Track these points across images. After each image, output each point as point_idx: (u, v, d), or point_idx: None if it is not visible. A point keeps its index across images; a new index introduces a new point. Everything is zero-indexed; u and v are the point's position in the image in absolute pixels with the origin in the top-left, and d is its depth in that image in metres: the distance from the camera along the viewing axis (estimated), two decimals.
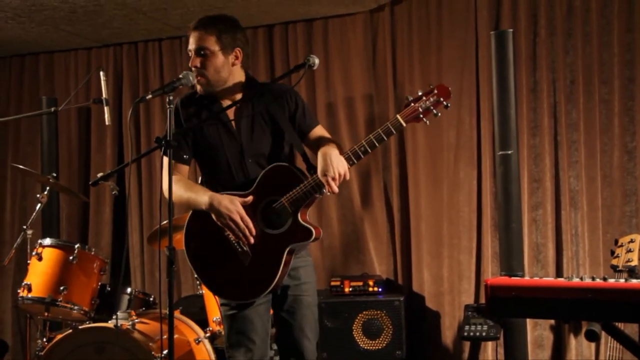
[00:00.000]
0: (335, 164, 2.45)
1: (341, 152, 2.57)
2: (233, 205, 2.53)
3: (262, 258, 2.55)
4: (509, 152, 3.80)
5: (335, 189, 2.46)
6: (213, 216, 2.57)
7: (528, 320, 4.14)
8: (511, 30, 3.91)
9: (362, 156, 2.51)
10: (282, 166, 2.58)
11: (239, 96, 2.68)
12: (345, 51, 4.93)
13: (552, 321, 4.29)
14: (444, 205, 4.60)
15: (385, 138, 2.52)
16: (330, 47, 4.95)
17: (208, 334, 3.79)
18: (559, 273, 4.25)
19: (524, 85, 4.31)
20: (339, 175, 2.46)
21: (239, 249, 2.57)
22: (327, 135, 2.72)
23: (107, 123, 3.86)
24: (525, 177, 4.29)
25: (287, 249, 2.54)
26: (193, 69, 2.61)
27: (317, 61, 2.59)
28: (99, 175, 2.58)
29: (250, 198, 2.56)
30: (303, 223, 2.53)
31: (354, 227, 4.91)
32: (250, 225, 2.53)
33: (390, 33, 4.79)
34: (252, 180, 2.61)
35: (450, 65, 4.60)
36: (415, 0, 4.70)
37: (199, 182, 2.88)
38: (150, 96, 2.37)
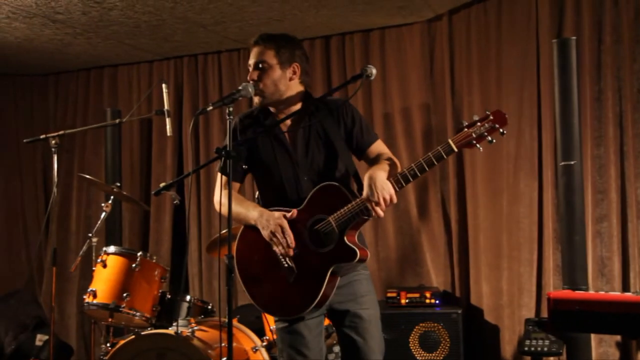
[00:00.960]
0: (379, 188, 2.43)
1: (392, 174, 2.55)
2: (277, 218, 2.55)
3: (306, 275, 2.55)
4: (572, 162, 3.70)
5: (381, 214, 2.43)
6: (260, 230, 2.59)
7: (592, 336, 4.01)
8: (574, 38, 3.82)
9: (412, 179, 2.45)
10: (332, 185, 2.56)
11: (294, 110, 2.67)
12: (403, 61, 4.93)
13: (619, 337, 4.14)
14: (503, 217, 4.53)
15: (435, 162, 2.44)
16: (387, 57, 4.96)
17: (265, 343, 3.82)
18: (625, 288, 4.11)
19: (588, 94, 4.20)
20: (384, 200, 2.43)
21: (285, 265, 2.57)
22: (385, 151, 2.70)
23: (168, 134, 3.97)
24: (589, 188, 4.18)
25: (331, 269, 2.52)
26: (251, 82, 2.62)
27: (374, 71, 2.55)
28: (162, 185, 2.64)
29: (293, 212, 2.56)
30: (348, 244, 2.50)
31: (410, 238, 4.89)
32: (291, 237, 2.52)
33: (448, 42, 4.77)
34: (304, 198, 2.61)
35: (510, 74, 4.53)
36: (474, 9, 4.67)
37: (256, 198, 2.91)
38: (210, 107, 2.39)
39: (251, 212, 2.63)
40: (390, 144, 4.92)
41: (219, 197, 2.67)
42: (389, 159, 2.66)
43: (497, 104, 4.54)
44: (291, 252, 2.56)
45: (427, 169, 2.48)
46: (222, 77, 5.45)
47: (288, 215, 2.59)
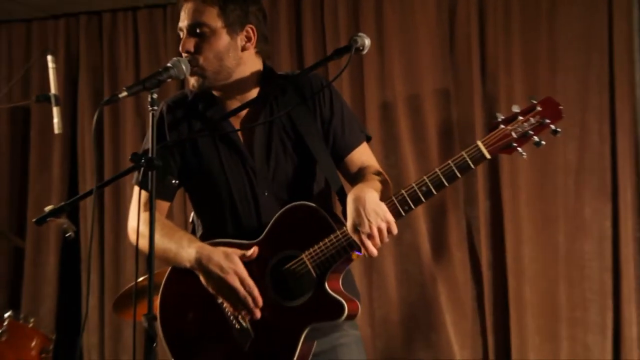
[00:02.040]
0: (371, 214, 2.48)
1: (386, 194, 2.57)
2: (229, 262, 2.58)
3: (268, 341, 2.58)
4: None
5: (373, 251, 2.48)
6: (201, 277, 2.61)
7: None
8: None
9: (423, 200, 2.51)
10: (306, 207, 2.61)
11: (251, 96, 2.71)
12: (409, 27, 4.96)
13: None
14: (560, 258, 4.56)
15: (458, 175, 2.48)
16: (386, 21, 4.98)
17: None
18: None
19: None
20: (379, 230, 2.48)
21: (237, 326, 2.61)
22: (372, 161, 2.77)
23: (56, 131, 3.92)
24: None
25: (305, 331, 2.55)
26: (184, 54, 2.64)
27: (367, 42, 2.56)
28: (47, 209, 2.59)
29: (254, 250, 2.61)
30: (332, 294, 2.54)
31: (421, 289, 4.90)
32: (255, 292, 2.58)
33: (477, 1, 4.83)
34: (264, 224, 2.66)
35: (568, 45, 4.59)
36: None
37: (190, 221, 2.89)
38: (124, 94, 2.36)
39: (185, 248, 2.63)
40: (390, 148, 4.95)
41: (136, 223, 2.65)
42: (379, 174, 2.69)
43: (548, 88, 4.60)
44: (257, 314, 2.57)
45: (446, 184, 2.50)
46: (139, 46, 5.44)
47: (247, 253, 2.59)
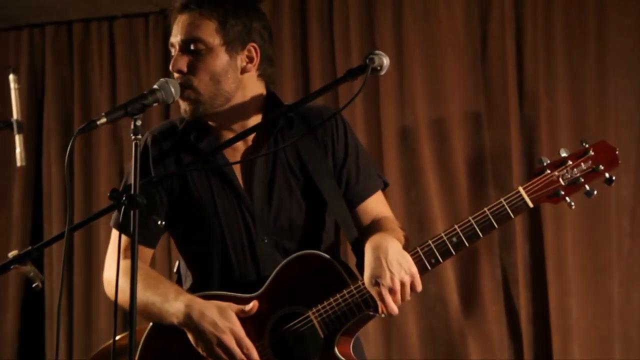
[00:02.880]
0: (394, 265, 2.50)
1: (407, 247, 2.59)
2: (224, 319, 2.59)
3: None
4: None
5: (393, 309, 2.50)
6: (189, 336, 2.62)
7: None
8: None
9: (453, 252, 2.53)
10: (317, 257, 2.63)
11: (250, 125, 2.72)
12: (433, 40, 5.00)
13: None
14: (614, 313, 4.55)
15: (496, 226, 2.53)
16: (406, 32, 5.02)
17: None
18: None
19: None
20: (402, 285, 2.50)
21: None
22: (388, 212, 2.80)
23: (18, 163, 3.91)
24: None
25: None
26: (175, 75, 2.66)
27: (385, 62, 2.54)
28: (12, 254, 2.59)
29: (253, 305, 2.61)
30: (342, 358, 2.55)
31: (449, 349, 4.89)
32: (254, 355, 2.58)
33: (513, 6, 4.85)
34: (264, 276, 2.67)
35: (620, 62, 4.61)
36: None
37: (175, 271, 2.90)
38: (103, 120, 2.35)
39: (172, 301, 2.63)
40: (411, 182, 4.97)
41: (114, 273, 2.63)
42: (397, 227, 2.70)
43: (597, 112, 4.62)
44: None
45: (480, 235, 2.52)
46: (115, 62, 5.49)
47: (246, 309, 2.59)
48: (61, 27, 5.59)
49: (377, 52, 2.57)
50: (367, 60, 2.55)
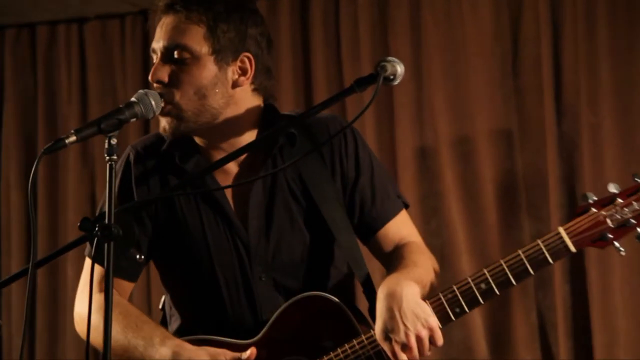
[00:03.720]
0: (409, 317, 2.50)
1: (431, 288, 2.60)
2: None
3: None
4: None
5: None
6: None
7: None
8: None
9: (482, 302, 2.53)
10: (323, 300, 2.63)
11: (244, 143, 2.70)
12: (457, 45, 5.03)
13: None
14: None
15: (531, 271, 2.52)
16: (425, 36, 5.05)
17: None
18: None
19: None
20: (419, 340, 2.49)
21: None
22: (414, 236, 2.81)
23: None
24: None
25: None
26: (155, 85, 2.66)
27: (399, 70, 2.49)
28: None
29: (250, 353, 2.62)
30: None
31: None
32: None
33: (550, 4, 4.88)
34: (262, 320, 2.68)
35: None
36: None
37: (160, 307, 2.91)
38: (73, 139, 2.34)
39: (157, 346, 2.63)
40: (431, 210, 4.99)
41: (85, 309, 2.64)
42: (423, 256, 2.71)
43: None
44: None
45: (513, 282, 2.52)
46: (86, 70, 5.51)
47: (243, 357, 2.59)
48: (23, 30, 5.62)
49: (390, 58, 2.52)
50: (379, 68, 2.50)
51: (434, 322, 2.50)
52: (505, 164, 4.94)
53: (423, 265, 2.64)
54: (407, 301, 2.49)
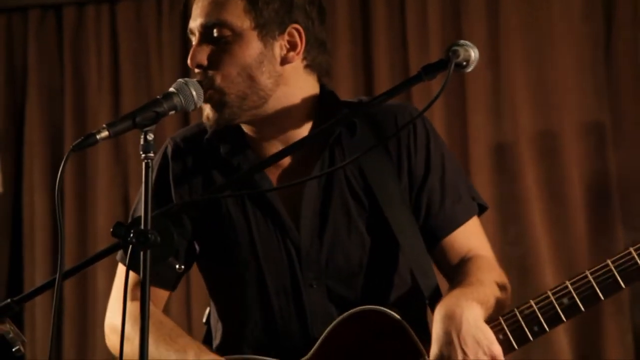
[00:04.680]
0: (469, 343, 2.50)
1: (498, 310, 2.58)
2: None
3: None
4: None
5: None
6: None
7: None
8: None
9: (564, 319, 2.52)
10: (381, 315, 2.63)
11: (300, 135, 2.74)
12: (540, 27, 5.03)
13: None
14: None
15: (622, 285, 2.50)
16: (503, 18, 5.06)
17: None
18: None
19: None
20: None
21: None
22: (484, 249, 2.81)
23: None
24: None
25: None
26: (195, 71, 2.68)
27: (473, 54, 2.48)
28: None
29: None
30: None
31: None
32: None
33: None
34: (312, 335, 2.69)
35: None
36: None
37: (204, 321, 2.94)
38: (105, 134, 2.34)
39: None
40: (509, 216, 5.00)
41: (118, 319, 2.65)
42: (492, 272, 2.70)
43: None
44: None
45: (601, 297, 2.51)
46: (118, 56, 5.57)
47: None
48: (48, 12, 5.68)
49: (462, 42, 2.49)
50: (450, 53, 2.47)
51: (498, 349, 2.49)
52: (596, 163, 4.94)
53: (490, 285, 2.63)
54: (468, 325, 2.49)
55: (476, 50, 2.50)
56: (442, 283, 2.75)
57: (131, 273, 2.53)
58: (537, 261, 4.86)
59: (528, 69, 5.00)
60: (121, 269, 2.79)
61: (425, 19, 5.13)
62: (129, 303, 2.52)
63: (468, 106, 5.08)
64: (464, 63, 2.48)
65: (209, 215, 2.76)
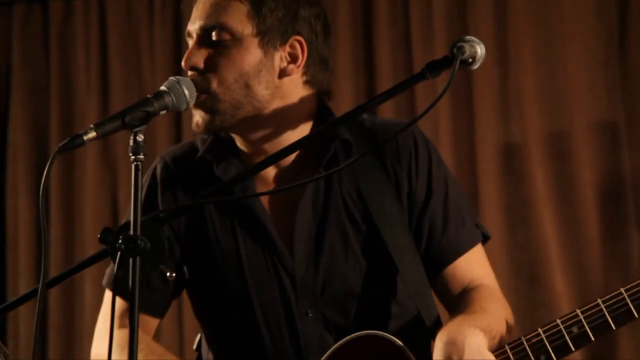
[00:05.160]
0: None
1: (500, 339, 2.59)
2: None
3: None
4: None
5: None
6: None
7: None
8: None
9: (573, 349, 2.52)
10: (381, 340, 2.62)
11: (293, 148, 2.72)
12: (550, 23, 5.04)
13: None
14: None
15: (636, 315, 2.50)
16: (511, 13, 5.07)
17: None
18: None
19: None
20: None
21: None
22: (487, 279, 2.81)
23: None
24: None
25: None
26: (189, 73, 2.69)
27: (480, 51, 2.47)
28: None
29: None
30: None
31: None
32: None
33: None
34: None
35: None
36: None
37: (194, 348, 2.95)
38: (92, 134, 2.35)
39: None
40: (518, 220, 5.00)
41: (104, 349, 2.68)
42: (495, 302, 2.71)
43: None
44: None
45: (613, 326, 2.51)
46: (107, 53, 5.58)
47: None
48: (34, 7, 5.70)
49: (468, 38, 2.49)
50: (455, 50, 2.47)
51: None
52: (610, 164, 4.95)
53: (494, 314, 2.63)
54: (470, 352, 2.48)
55: (483, 47, 2.49)
56: (443, 313, 2.76)
57: (119, 301, 2.53)
58: (547, 267, 4.86)
59: (538, 67, 5.00)
60: (108, 294, 2.80)
61: (430, 15, 5.14)
62: (116, 331, 2.50)
63: (475, 105, 5.09)
64: (470, 60, 2.48)
65: (195, 235, 2.77)
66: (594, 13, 4.95)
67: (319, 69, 2.74)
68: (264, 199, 2.73)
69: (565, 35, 4.98)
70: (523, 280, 4.90)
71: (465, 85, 5.06)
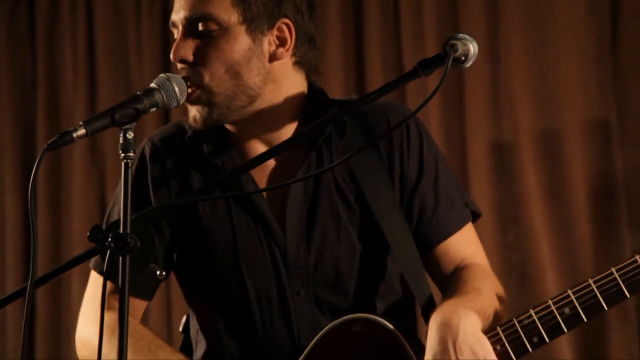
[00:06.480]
0: (465, 353, 2.50)
1: (495, 320, 2.59)
2: None
3: None
4: None
5: None
6: None
7: None
8: None
9: (565, 330, 2.53)
10: (372, 323, 2.64)
11: (286, 135, 2.76)
12: (542, 19, 5.02)
13: None
14: None
15: (627, 294, 2.50)
16: (502, 7, 5.05)
17: None
18: None
19: None
20: None
21: None
22: (478, 257, 2.83)
23: None
24: None
25: None
26: (179, 66, 2.69)
27: (472, 49, 2.48)
28: None
29: None
30: None
31: None
32: None
33: None
34: (300, 345, 2.69)
35: None
36: None
37: (180, 330, 2.94)
38: (81, 132, 2.35)
39: None
40: (509, 218, 5.01)
41: (90, 332, 2.69)
42: (487, 281, 2.71)
43: None
44: None
45: (604, 307, 2.51)
46: (95, 49, 5.57)
47: None
48: (20, 2, 5.69)
49: (460, 35, 2.50)
50: (447, 48, 2.47)
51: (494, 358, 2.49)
52: (601, 162, 4.94)
53: (487, 294, 2.63)
54: (465, 334, 2.49)
55: (476, 45, 2.50)
56: (435, 292, 2.75)
57: (105, 281, 2.47)
58: (538, 266, 4.86)
59: (529, 64, 4.99)
60: (94, 276, 2.80)
61: (420, 12, 5.13)
62: (107, 315, 2.49)
63: (466, 103, 5.08)
64: (463, 58, 2.48)
65: (189, 219, 2.76)
66: (586, 10, 4.93)
67: (307, 48, 2.76)
68: (258, 178, 2.73)
69: (556, 33, 4.97)
70: (514, 279, 4.89)
71: (456, 83, 5.04)
